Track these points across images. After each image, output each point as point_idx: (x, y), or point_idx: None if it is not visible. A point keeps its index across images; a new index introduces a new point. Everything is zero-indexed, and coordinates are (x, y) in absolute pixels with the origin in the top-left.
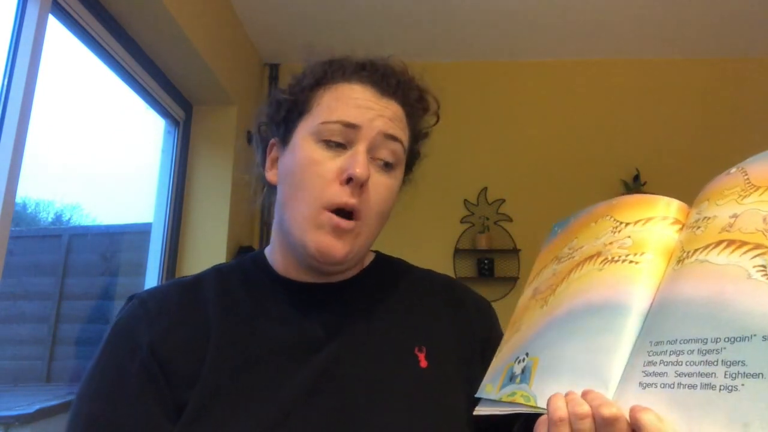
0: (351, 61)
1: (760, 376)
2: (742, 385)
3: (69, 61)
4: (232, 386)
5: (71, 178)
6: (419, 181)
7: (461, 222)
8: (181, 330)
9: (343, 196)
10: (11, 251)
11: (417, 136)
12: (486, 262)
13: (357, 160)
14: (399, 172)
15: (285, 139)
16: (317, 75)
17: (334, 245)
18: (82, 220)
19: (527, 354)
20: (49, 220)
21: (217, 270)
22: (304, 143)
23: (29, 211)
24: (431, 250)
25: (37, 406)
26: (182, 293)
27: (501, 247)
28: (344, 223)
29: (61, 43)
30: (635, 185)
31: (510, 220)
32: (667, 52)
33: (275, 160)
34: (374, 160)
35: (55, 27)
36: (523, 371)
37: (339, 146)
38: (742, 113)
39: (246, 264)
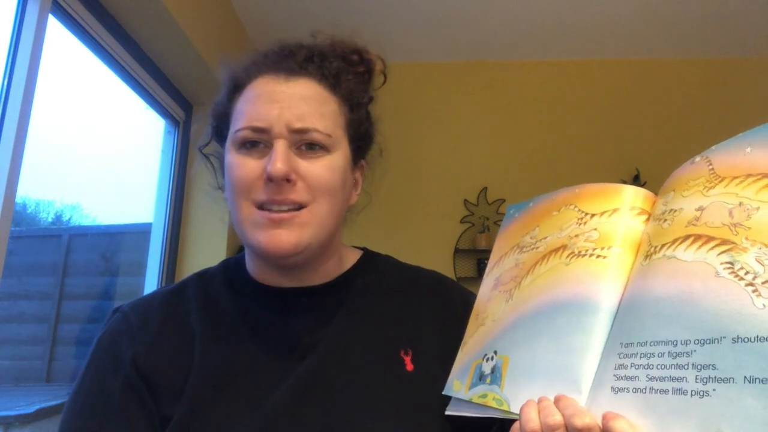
0: (258, 54)
1: (731, 380)
2: (713, 390)
3: (69, 61)
4: (218, 397)
5: (71, 178)
6: (420, 181)
7: (461, 222)
8: (165, 343)
9: (267, 193)
10: (11, 251)
11: (354, 104)
12: (486, 262)
13: (272, 159)
14: (336, 149)
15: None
16: (229, 84)
17: (277, 237)
18: (82, 220)
19: (496, 352)
20: (49, 220)
21: (200, 276)
22: (228, 154)
23: (29, 211)
24: (431, 250)
25: (37, 406)
26: (165, 304)
27: None
28: (275, 215)
29: (61, 43)
30: (635, 185)
31: None
32: (667, 52)
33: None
34: (299, 147)
35: (55, 27)
36: (492, 371)
37: (261, 145)
38: (743, 113)
39: (230, 268)
